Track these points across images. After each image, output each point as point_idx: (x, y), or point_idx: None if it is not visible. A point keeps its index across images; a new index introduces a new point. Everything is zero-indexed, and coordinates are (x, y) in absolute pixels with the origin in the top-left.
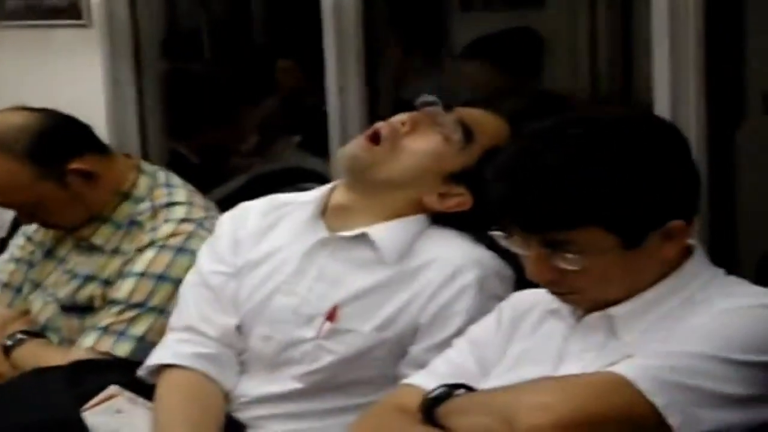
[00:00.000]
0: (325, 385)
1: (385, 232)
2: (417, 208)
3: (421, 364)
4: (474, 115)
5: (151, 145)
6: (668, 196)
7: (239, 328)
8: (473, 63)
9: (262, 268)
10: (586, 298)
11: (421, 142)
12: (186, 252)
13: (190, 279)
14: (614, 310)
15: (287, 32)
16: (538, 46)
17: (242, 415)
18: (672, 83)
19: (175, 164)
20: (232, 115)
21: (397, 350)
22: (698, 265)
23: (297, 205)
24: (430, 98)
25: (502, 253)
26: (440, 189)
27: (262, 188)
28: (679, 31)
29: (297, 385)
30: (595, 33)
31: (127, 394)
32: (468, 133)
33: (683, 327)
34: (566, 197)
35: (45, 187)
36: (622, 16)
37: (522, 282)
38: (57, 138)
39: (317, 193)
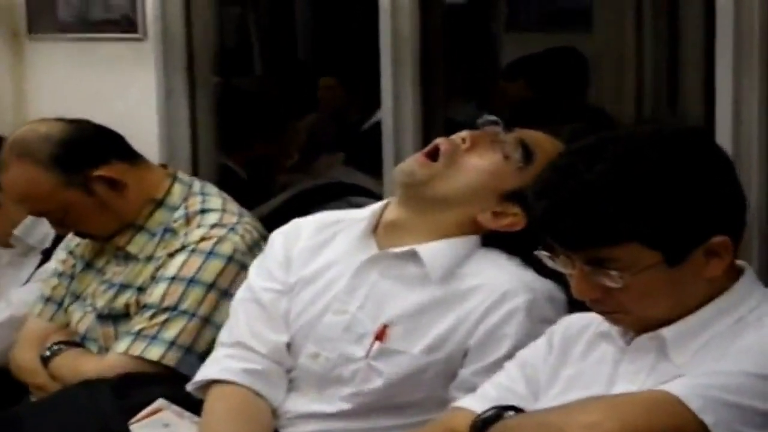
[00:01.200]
0: (374, 406)
1: (435, 250)
2: (470, 227)
3: (470, 388)
4: (534, 136)
5: (201, 160)
6: (708, 212)
7: (289, 346)
8: (516, 82)
9: (313, 285)
10: (632, 318)
11: (480, 160)
12: (216, 256)
13: (240, 295)
14: (664, 332)
15: (331, 50)
16: (582, 66)
17: (289, 431)
18: (735, 104)
19: (224, 179)
20: (278, 130)
21: (446, 373)
22: (749, 286)
23: (349, 222)
24: (492, 117)
25: (554, 276)
26: (495, 208)
27: (307, 203)
28: (743, 51)
29: (345, 405)
30: (641, 54)
31: (174, 408)
32: (528, 153)
33: (734, 347)
34: (606, 214)
35: (70, 194)
36: (668, 37)
37: (575, 304)
38: (81, 146)
39: (370, 210)
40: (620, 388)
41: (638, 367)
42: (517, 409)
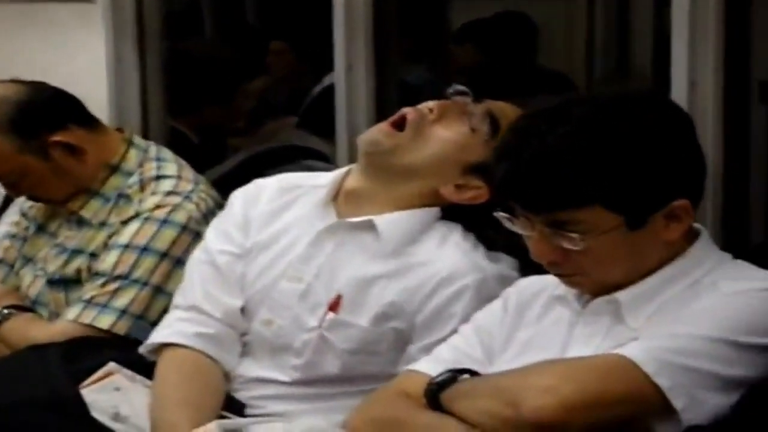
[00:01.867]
0: (326, 378)
1: (392, 222)
2: (431, 198)
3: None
4: (503, 108)
5: (152, 123)
6: (671, 175)
7: (243, 310)
8: (464, 46)
9: (270, 250)
10: (590, 280)
11: (446, 131)
12: (171, 224)
13: (196, 256)
14: (620, 295)
15: (280, 14)
16: (531, 31)
17: (242, 395)
18: (690, 68)
19: (176, 143)
20: (228, 94)
21: (397, 345)
22: (705, 249)
23: (309, 188)
24: (461, 88)
25: (507, 251)
26: (458, 180)
27: (260, 167)
28: (698, 20)
29: (297, 374)
30: (592, 18)
31: (126, 371)
32: (495, 125)
33: (689, 310)
34: (569, 177)
35: (27, 159)
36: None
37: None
38: (39, 110)
39: (330, 177)
40: (575, 351)
41: (593, 330)
42: (473, 373)
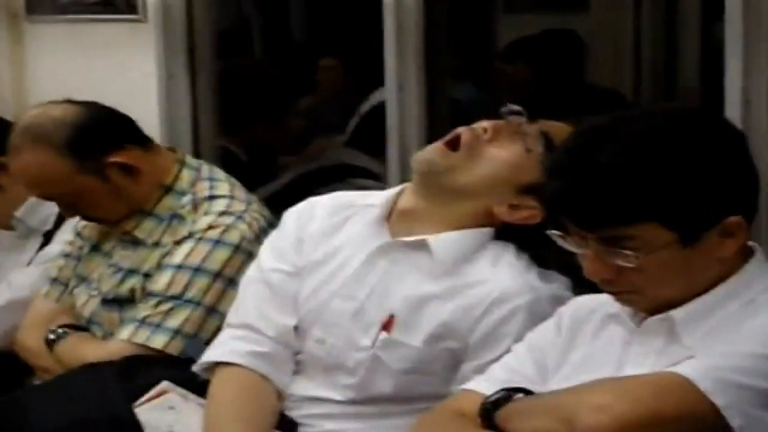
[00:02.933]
0: (381, 398)
1: (446, 242)
2: (485, 218)
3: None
4: (557, 128)
5: (202, 142)
6: (725, 191)
7: (296, 329)
8: (514, 64)
9: (323, 269)
10: (644, 298)
11: (501, 151)
12: (223, 244)
13: (250, 274)
14: (674, 313)
15: (329, 30)
16: (579, 47)
17: (295, 414)
18: (744, 85)
19: (226, 161)
20: (278, 112)
21: (450, 366)
22: (759, 267)
23: (362, 207)
24: (515, 107)
25: (562, 271)
26: (512, 200)
27: (309, 185)
28: (752, 32)
29: (347, 393)
30: (639, 34)
31: (180, 390)
32: (550, 145)
33: (744, 329)
34: (622, 193)
35: (84, 180)
36: (665, 17)
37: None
38: (96, 131)
39: (384, 196)
40: (629, 370)
41: (648, 349)
42: (526, 391)
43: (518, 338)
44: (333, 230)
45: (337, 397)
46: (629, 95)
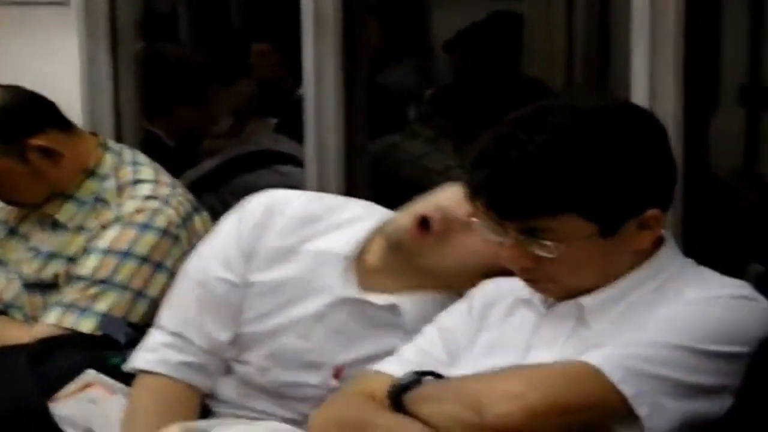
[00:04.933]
0: None
1: (415, 304)
2: (449, 287)
3: None
4: None
5: (125, 126)
6: (646, 184)
7: (234, 341)
8: (455, 54)
9: (277, 295)
10: (558, 286)
11: (474, 241)
12: (151, 229)
13: (192, 275)
14: (584, 300)
15: (264, 16)
16: (518, 28)
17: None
18: (650, 74)
19: (150, 146)
20: (206, 96)
21: None
22: (669, 255)
23: (329, 227)
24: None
25: None
26: (480, 281)
27: (234, 171)
28: (658, 22)
29: (303, 410)
30: (572, 18)
31: (105, 380)
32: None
33: (653, 317)
34: (544, 185)
35: (4, 163)
36: (600, 6)
37: None
38: (16, 114)
39: (353, 240)
40: (537, 352)
41: (556, 333)
42: (437, 375)
43: None
44: (291, 251)
45: (290, 415)
46: (561, 84)
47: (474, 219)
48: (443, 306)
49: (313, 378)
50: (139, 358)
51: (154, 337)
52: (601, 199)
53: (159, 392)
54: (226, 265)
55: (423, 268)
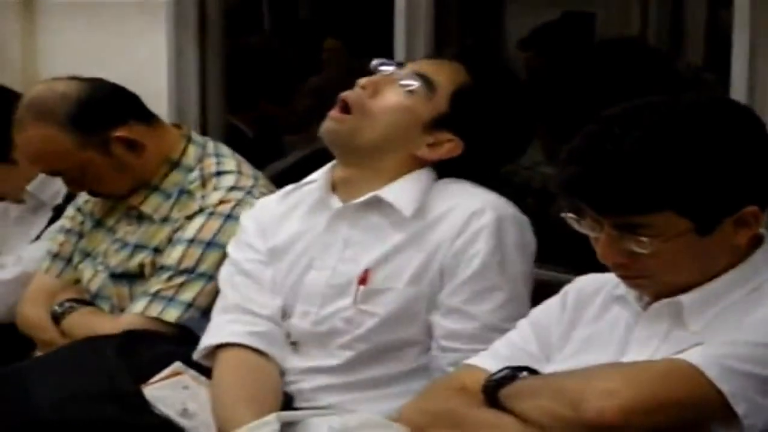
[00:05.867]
0: (371, 351)
1: (396, 191)
2: (414, 164)
3: (447, 309)
4: (426, 65)
5: (210, 119)
6: (744, 181)
7: (282, 310)
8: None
9: (291, 250)
10: (653, 283)
11: (386, 101)
12: (235, 219)
13: (224, 274)
14: (682, 298)
15: (335, 9)
16: (591, 27)
17: (290, 388)
18: (750, 70)
19: (232, 139)
20: (286, 90)
21: (432, 304)
22: (765, 255)
23: (307, 188)
24: (382, 60)
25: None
26: (427, 140)
27: (316, 165)
28: (759, 19)
29: (345, 354)
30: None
31: (191, 372)
32: (428, 82)
33: (751, 317)
34: (641, 181)
35: (88, 154)
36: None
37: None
38: (100, 106)
39: (321, 171)
40: (632, 353)
41: (652, 333)
42: (531, 370)
43: (486, 257)
44: (286, 214)
45: (333, 361)
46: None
47: None
48: (420, 183)
49: (343, 301)
50: (206, 340)
51: (215, 321)
52: (698, 196)
53: (237, 362)
54: (249, 249)
55: (368, 149)
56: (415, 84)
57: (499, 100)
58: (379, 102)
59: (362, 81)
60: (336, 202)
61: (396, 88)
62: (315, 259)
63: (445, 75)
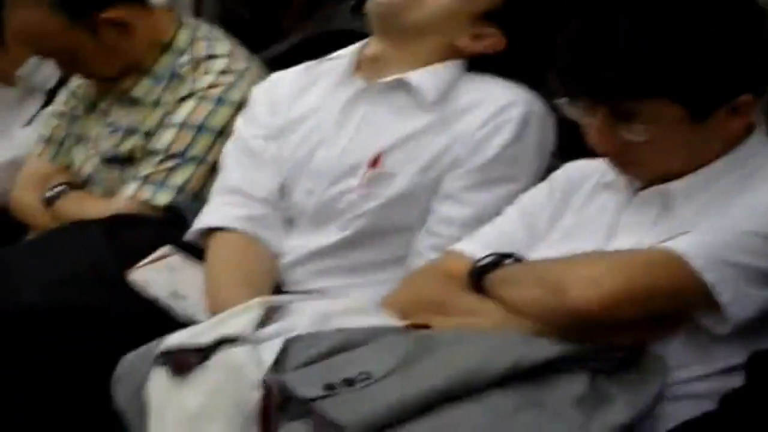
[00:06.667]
0: (368, 232)
1: (423, 76)
2: (451, 53)
3: (446, 194)
4: None
5: (204, 1)
6: (739, 69)
7: (283, 188)
8: None
9: (303, 125)
10: (646, 170)
11: None
12: (226, 102)
13: (229, 147)
14: (672, 185)
15: None
16: None
17: (282, 274)
18: None
19: (229, 22)
20: None
21: (437, 191)
22: (758, 143)
23: (330, 64)
24: None
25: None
26: (472, 30)
27: (314, 49)
28: None
29: (342, 233)
30: None
31: (180, 254)
32: None
33: (738, 204)
34: (638, 67)
35: (77, 36)
36: None
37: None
38: None
39: (349, 49)
40: (620, 238)
41: (641, 219)
42: (516, 257)
43: (502, 148)
44: (306, 88)
45: (328, 240)
46: None
47: None
48: (450, 74)
49: (352, 181)
50: (201, 220)
51: (213, 200)
52: (693, 83)
53: (230, 245)
54: (254, 124)
55: (414, 27)
56: None
57: (552, 6)
58: None
59: None
60: (358, 83)
61: None
62: (327, 136)
63: None
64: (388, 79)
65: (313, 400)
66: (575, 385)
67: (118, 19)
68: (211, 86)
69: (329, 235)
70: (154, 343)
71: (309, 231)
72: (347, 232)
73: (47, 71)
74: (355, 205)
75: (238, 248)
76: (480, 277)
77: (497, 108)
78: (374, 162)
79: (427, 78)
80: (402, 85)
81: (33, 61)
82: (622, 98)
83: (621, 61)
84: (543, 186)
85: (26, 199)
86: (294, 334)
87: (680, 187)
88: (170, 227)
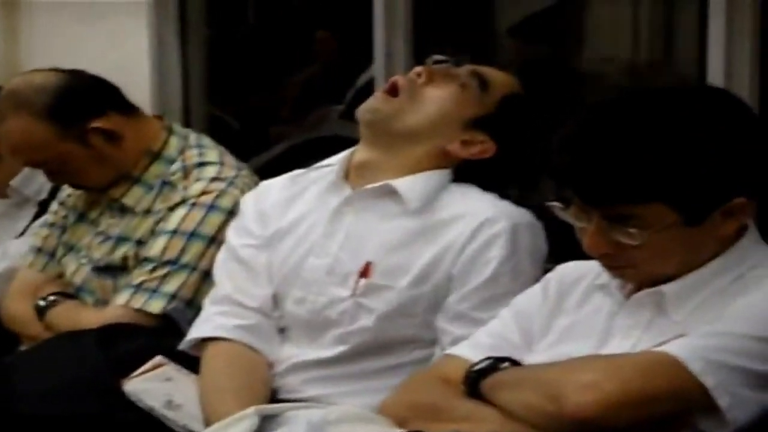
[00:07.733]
0: (366, 346)
1: (409, 183)
2: (440, 159)
3: (455, 315)
4: (484, 68)
5: (193, 110)
6: (734, 173)
7: (275, 297)
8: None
9: (292, 234)
10: (640, 273)
11: (438, 91)
12: (217, 210)
13: (221, 257)
14: (664, 288)
15: (325, 1)
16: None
17: (276, 381)
18: (726, 55)
19: (217, 130)
20: (274, 82)
21: (433, 305)
22: (751, 243)
23: (319, 173)
24: (441, 57)
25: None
26: (462, 136)
27: (302, 157)
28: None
29: (338, 347)
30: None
31: (174, 364)
32: (483, 81)
33: (733, 307)
34: (632, 172)
35: (66, 146)
36: None
37: (555, 242)
38: (77, 97)
39: (338, 157)
40: (615, 342)
41: (634, 322)
42: (512, 361)
43: (500, 264)
44: (294, 197)
45: (325, 353)
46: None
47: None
48: (436, 182)
49: (343, 291)
50: (195, 331)
51: (204, 312)
52: (688, 187)
53: (225, 355)
54: (244, 234)
55: (403, 134)
56: (471, 82)
57: (542, 115)
58: (430, 90)
59: (418, 69)
60: (347, 190)
61: (450, 81)
62: (316, 245)
63: (500, 80)
64: (375, 185)
65: None
66: None
67: (107, 128)
68: (202, 193)
69: (328, 348)
70: None
71: (304, 341)
72: (344, 347)
73: (39, 182)
74: (348, 315)
75: (232, 358)
76: (477, 381)
77: (479, 222)
78: (364, 271)
79: (413, 185)
80: (388, 192)
81: (25, 172)
82: (617, 202)
83: (616, 166)
84: (537, 288)
85: (18, 309)
86: None
87: (673, 290)
88: (164, 336)
